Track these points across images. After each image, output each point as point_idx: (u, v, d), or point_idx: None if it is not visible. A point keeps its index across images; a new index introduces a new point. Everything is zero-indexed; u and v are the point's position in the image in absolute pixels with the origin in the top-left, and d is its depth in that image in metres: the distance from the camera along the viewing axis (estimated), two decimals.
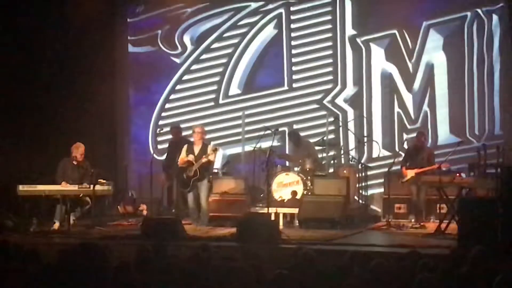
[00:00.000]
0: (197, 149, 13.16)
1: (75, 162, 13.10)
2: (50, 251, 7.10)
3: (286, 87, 16.12)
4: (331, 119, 15.38)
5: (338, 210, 13.24)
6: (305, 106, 15.96)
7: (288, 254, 9.12)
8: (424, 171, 13.03)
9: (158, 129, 15.83)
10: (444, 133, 15.08)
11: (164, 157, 15.06)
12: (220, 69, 16.45)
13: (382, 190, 14.55)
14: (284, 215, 13.45)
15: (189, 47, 16.59)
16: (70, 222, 12.73)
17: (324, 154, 14.94)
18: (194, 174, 12.95)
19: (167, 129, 15.30)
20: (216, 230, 12.74)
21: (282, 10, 16.15)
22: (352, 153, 15.25)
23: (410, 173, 13.22)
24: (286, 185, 13.81)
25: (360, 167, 14.56)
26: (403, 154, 14.16)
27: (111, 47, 16.35)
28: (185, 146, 13.33)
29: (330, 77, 15.87)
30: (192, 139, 13.78)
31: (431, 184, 12.88)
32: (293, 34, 16.09)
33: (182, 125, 15.22)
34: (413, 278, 6.23)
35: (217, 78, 16.46)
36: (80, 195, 12.84)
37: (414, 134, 14.29)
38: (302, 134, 15.37)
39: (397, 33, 15.44)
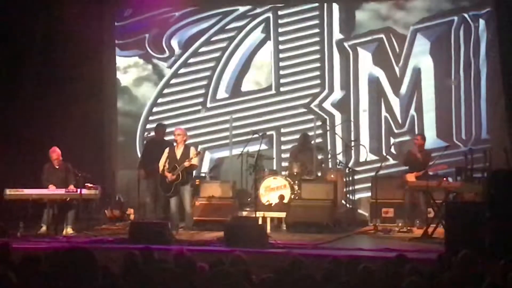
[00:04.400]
0: (179, 152, 13.06)
1: (56, 166, 13.10)
2: (37, 255, 7.06)
3: (273, 91, 16.14)
4: (319, 123, 15.40)
5: (325, 214, 13.27)
6: (292, 110, 15.97)
7: (275, 258, 9.13)
8: (423, 174, 13.00)
9: (146, 133, 15.81)
10: (431, 138, 15.07)
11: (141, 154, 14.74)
12: (207, 73, 16.45)
13: (369, 194, 14.54)
14: (272, 219, 13.45)
15: (177, 51, 16.58)
16: (69, 231, 12.80)
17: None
18: (176, 177, 12.89)
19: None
20: (203, 234, 12.73)
21: (270, 14, 16.17)
22: (340, 157, 15.26)
23: (411, 177, 13.10)
24: (274, 189, 13.80)
25: (347, 171, 14.58)
26: (391, 160, 14.20)
27: (98, 50, 16.30)
28: (166, 150, 13.16)
29: (318, 81, 15.90)
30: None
31: (418, 188, 12.90)
32: (280, 38, 16.11)
33: (169, 129, 15.13)
34: (400, 282, 6.23)
35: (204, 82, 16.46)
36: (67, 199, 12.82)
37: (402, 138, 14.38)
38: (289, 138, 15.50)
39: (384, 37, 15.49)
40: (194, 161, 12.97)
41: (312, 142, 14.93)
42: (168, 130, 14.92)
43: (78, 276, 4.38)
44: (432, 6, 15.43)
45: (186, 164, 12.77)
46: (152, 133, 14.84)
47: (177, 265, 7.09)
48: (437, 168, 13.23)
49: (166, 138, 14.42)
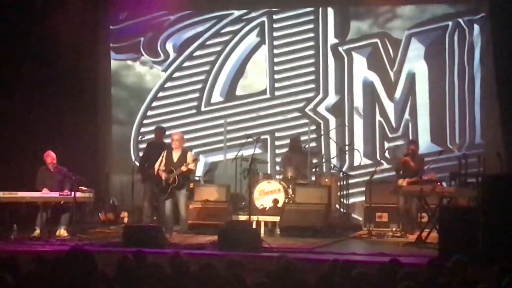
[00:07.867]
0: (176, 156, 13.08)
1: (51, 169, 13.06)
2: (31, 259, 7.04)
3: (268, 95, 16.14)
4: (313, 127, 15.40)
5: (319, 218, 13.25)
6: (287, 114, 15.98)
7: (269, 262, 9.11)
8: (414, 181, 12.95)
9: (140, 137, 15.83)
10: (425, 142, 15.11)
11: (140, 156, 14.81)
12: (202, 77, 16.45)
13: (363, 198, 14.54)
14: (266, 223, 13.45)
15: (172, 55, 16.58)
16: (64, 234, 12.74)
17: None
18: (173, 181, 12.90)
19: (149, 136, 15.17)
20: (197, 238, 12.71)
21: (264, 19, 16.19)
22: (334, 161, 15.27)
23: (403, 182, 13.06)
24: (268, 193, 13.80)
25: (341, 175, 14.58)
26: (386, 164, 14.21)
27: (93, 54, 16.29)
28: (164, 153, 13.17)
29: (312, 86, 15.92)
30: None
31: (412, 193, 12.89)
32: (275, 43, 16.13)
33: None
34: (394, 287, 6.24)
35: (199, 86, 16.46)
36: (61, 202, 12.79)
37: (396, 143, 14.40)
38: (283, 142, 15.50)
39: (379, 42, 15.52)
40: (192, 166, 12.99)
41: (306, 146, 14.92)
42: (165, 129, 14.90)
43: (77, 279, 4.36)
44: (427, 11, 15.46)
45: (183, 169, 12.80)
46: (147, 137, 14.85)
47: (172, 268, 7.08)
48: (427, 176, 13.17)
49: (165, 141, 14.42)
